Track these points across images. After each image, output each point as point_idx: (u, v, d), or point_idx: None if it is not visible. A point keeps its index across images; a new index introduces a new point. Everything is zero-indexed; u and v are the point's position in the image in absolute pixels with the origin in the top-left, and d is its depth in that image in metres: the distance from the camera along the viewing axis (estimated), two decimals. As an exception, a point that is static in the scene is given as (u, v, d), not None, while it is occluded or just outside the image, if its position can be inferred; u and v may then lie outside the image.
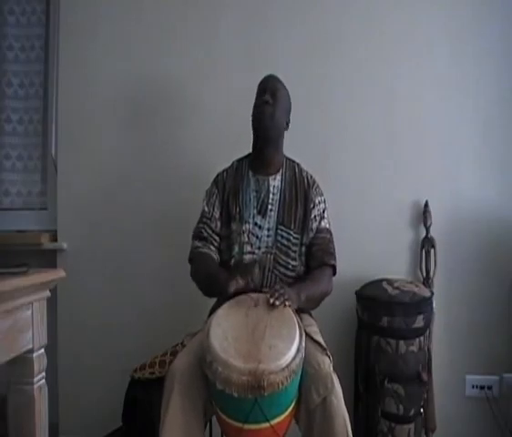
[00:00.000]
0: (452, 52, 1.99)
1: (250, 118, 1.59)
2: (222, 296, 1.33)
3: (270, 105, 1.52)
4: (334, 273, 1.55)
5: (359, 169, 1.99)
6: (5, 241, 1.97)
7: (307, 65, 2.00)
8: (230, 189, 1.57)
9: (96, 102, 2.05)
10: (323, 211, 1.57)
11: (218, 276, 1.40)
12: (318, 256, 1.52)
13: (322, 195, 1.59)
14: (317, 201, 1.56)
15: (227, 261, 1.53)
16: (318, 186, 1.60)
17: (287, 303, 1.24)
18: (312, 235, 1.53)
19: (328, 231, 1.56)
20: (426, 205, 1.94)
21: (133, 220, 2.03)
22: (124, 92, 2.06)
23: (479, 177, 1.98)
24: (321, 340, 1.35)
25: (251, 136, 1.61)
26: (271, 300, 1.22)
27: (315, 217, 1.54)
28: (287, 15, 2.01)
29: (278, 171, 1.58)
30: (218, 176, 1.63)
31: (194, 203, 1.67)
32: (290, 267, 1.51)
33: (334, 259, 1.54)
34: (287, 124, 1.61)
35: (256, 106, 1.56)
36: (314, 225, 1.54)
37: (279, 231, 1.51)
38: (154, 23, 2.04)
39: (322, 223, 1.55)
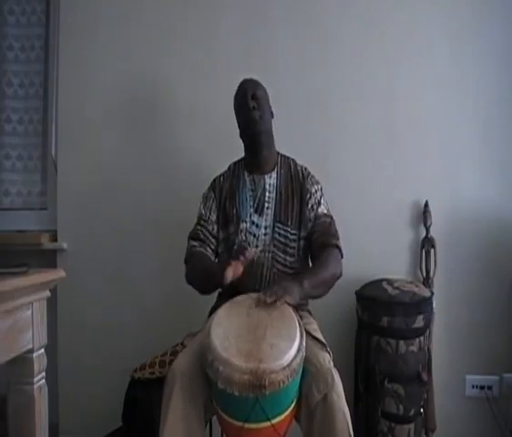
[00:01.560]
0: (452, 52, 1.99)
1: (238, 130, 1.60)
2: (218, 283, 1.32)
3: (256, 109, 1.52)
4: (341, 255, 1.51)
5: (359, 169, 1.99)
6: (5, 241, 1.97)
7: (307, 65, 2.00)
8: (226, 192, 1.57)
9: (96, 102, 2.05)
10: (320, 198, 1.56)
11: (212, 266, 1.40)
12: (320, 240, 1.49)
13: (317, 183, 1.59)
14: (313, 190, 1.56)
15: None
16: (313, 176, 1.60)
17: (279, 303, 1.22)
18: (310, 225, 1.52)
19: (327, 216, 1.54)
20: (426, 205, 1.94)
21: (133, 220, 2.03)
22: (124, 92, 2.06)
23: (479, 177, 1.98)
24: (320, 336, 1.35)
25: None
26: (264, 298, 1.22)
27: (312, 206, 1.54)
28: (287, 15, 2.01)
29: (273, 169, 1.58)
30: (214, 180, 1.63)
31: (194, 203, 1.67)
32: (287, 264, 1.51)
33: (337, 239, 1.51)
34: (272, 114, 1.61)
35: (243, 116, 1.55)
36: (312, 214, 1.53)
37: (276, 229, 1.51)
38: (154, 23, 2.04)
39: (320, 210, 1.54)
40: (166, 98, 2.04)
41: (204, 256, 1.51)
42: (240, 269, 1.31)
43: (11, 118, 2.16)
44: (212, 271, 1.37)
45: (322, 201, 1.56)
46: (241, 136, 1.60)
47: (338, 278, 1.46)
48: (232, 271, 1.27)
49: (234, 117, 1.62)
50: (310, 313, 1.56)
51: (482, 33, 1.98)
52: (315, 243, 1.50)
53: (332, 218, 1.55)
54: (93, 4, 2.05)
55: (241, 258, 1.30)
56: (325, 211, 1.55)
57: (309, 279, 1.35)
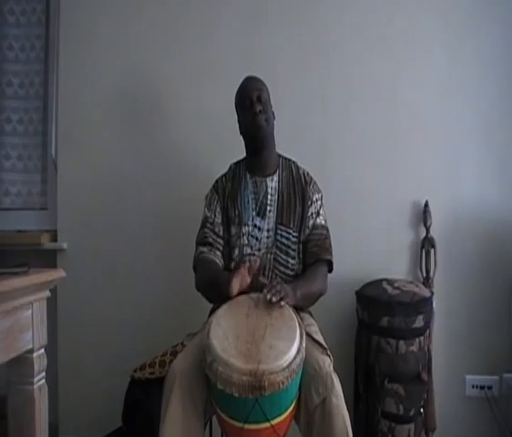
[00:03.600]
0: (452, 52, 1.99)
1: (239, 129, 1.59)
2: (225, 297, 1.33)
3: (262, 112, 1.51)
4: (331, 270, 1.54)
5: (359, 169, 1.99)
6: (4, 241, 1.97)
7: (307, 65, 2.00)
8: (228, 193, 1.57)
9: (95, 102, 2.05)
10: (320, 208, 1.57)
11: (219, 277, 1.40)
12: (314, 252, 1.51)
13: (319, 192, 1.59)
14: (314, 198, 1.56)
15: (227, 265, 1.53)
16: (315, 183, 1.60)
17: (282, 303, 1.23)
18: (307, 232, 1.53)
19: (324, 228, 1.56)
20: (426, 205, 1.94)
21: (133, 220, 2.03)
22: (124, 92, 2.06)
23: (479, 177, 1.98)
24: (321, 339, 1.35)
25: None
26: (268, 297, 1.22)
27: (312, 214, 1.54)
28: (287, 16, 2.01)
29: (275, 172, 1.57)
30: (217, 181, 1.62)
31: (195, 203, 1.67)
32: (289, 266, 1.51)
33: (330, 254, 1.53)
34: (273, 116, 1.60)
35: (247, 118, 1.53)
36: (310, 222, 1.54)
37: (278, 231, 1.51)
38: (154, 23, 2.04)
39: (318, 220, 1.55)
40: (166, 98, 2.04)
41: (212, 263, 1.50)
42: (248, 279, 1.32)
43: (11, 118, 2.16)
44: (219, 283, 1.36)
45: (321, 211, 1.57)
46: (242, 134, 1.60)
47: (322, 295, 1.49)
48: (239, 283, 1.29)
49: (234, 117, 1.62)
50: (311, 315, 1.55)
51: (482, 33, 1.98)
52: (309, 253, 1.52)
53: (328, 230, 1.57)
54: (93, 4, 2.05)
55: (247, 266, 1.31)
56: (323, 223, 1.56)
57: (301, 289, 1.38)
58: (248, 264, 1.31)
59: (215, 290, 1.39)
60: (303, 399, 1.21)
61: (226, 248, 1.54)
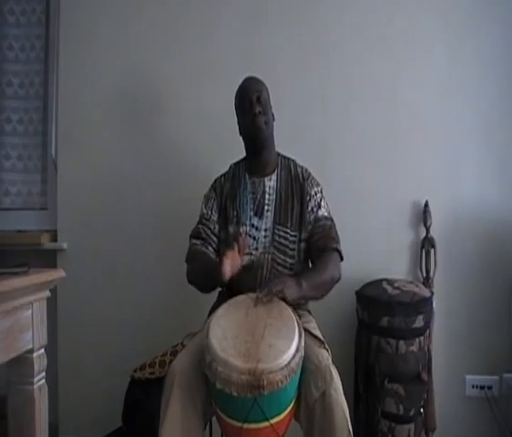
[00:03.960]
0: (452, 52, 1.99)
1: (239, 130, 1.59)
2: (218, 281, 1.33)
3: (261, 114, 1.50)
4: (341, 258, 1.51)
5: (359, 169, 1.99)
6: (4, 241, 1.97)
7: (307, 65, 2.00)
8: (227, 193, 1.57)
9: (95, 102, 2.05)
10: (320, 200, 1.55)
11: (210, 263, 1.41)
12: (320, 244, 1.49)
13: (318, 185, 1.58)
14: (313, 193, 1.55)
15: None
16: (313, 177, 1.59)
17: (275, 298, 1.25)
18: (310, 227, 1.52)
19: (327, 218, 1.54)
20: (426, 205, 1.94)
21: (133, 220, 2.03)
22: (124, 92, 2.06)
23: (479, 177, 1.98)
24: (319, 334, 1.36)
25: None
26: (261, 297, 1.24)
27: (312, 209, 1.53)
28: (287, 15, 2.01)
29: (273, 171, 1.57)
30: (216, 181, 1.63)
31: (194, 203, 1.67)
32: (287, 265, 1.50)
33: (337, 242, 1.50)
34: (273, 117, 1.59)
35: (247, 120, 1.52)
36: (312, 217, 1.52)
37: (276, 231, 1.51)
38: (154, 23, 2.04)
39: (320, 212, 1.53)
40: (166, 98, 2.04)
41: (204, 254, 1.51)
42: (239, 259, 1.32)
43: (11, 118, 2.16)
44: (211, 268, 1.36)
45: (322, 204, 1.55)
46: (242, 135, 1.60)
47: (336, 281, 1.46)
48: (230, 265, 1.28)
49: (234, 118, 1.62)
50: (309, 312, 1.56)
51: (482, 33, 1.98)
52: (315, 246, 1.50)
53: (332, 220, 1.55)
54: (93, 4, 2.06)
55: (235, 246, 1.31)
56: (326, 214, 1.54)
57: (307, 280, 1.36)
58: (236, 246, 1.32)
59: (207, 277, 1.40)
60: (303, 394, 1.21)
61: (223, 247, 1.54)
